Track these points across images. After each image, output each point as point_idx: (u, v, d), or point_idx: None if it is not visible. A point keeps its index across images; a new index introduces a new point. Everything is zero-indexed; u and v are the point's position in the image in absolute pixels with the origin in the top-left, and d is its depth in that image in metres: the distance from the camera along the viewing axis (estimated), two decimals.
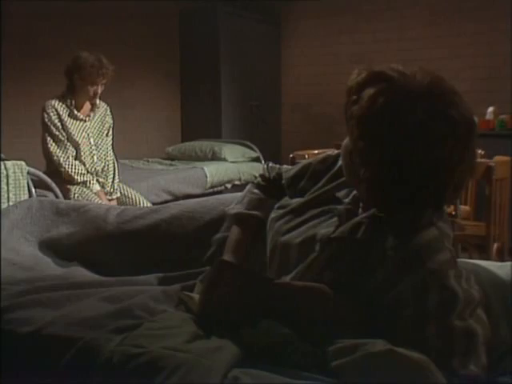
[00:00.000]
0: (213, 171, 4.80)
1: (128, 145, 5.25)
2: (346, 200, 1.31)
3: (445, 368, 1.01)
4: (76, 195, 3.37)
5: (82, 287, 1.48)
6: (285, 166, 1.65)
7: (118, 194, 3.62)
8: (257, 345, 1.13)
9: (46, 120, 3.41)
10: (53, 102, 3.43)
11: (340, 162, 1.35)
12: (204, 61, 5.70)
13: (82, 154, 3.48)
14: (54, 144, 3.42)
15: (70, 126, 3.45)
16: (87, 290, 1.46)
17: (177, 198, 4.12)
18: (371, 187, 1.16)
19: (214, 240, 1.65)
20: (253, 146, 5.40)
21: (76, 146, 3.47)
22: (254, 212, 1.51)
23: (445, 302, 1.07)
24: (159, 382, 1.02)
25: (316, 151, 3.64)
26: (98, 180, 3.52)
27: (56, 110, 3.41)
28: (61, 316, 1.28)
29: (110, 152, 3.64)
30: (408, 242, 1.14)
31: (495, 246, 3.10)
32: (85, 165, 3.48)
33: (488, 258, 2.95)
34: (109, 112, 3.67)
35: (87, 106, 3.55)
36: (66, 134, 3.44)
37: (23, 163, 3.09)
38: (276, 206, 1.45)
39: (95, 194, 3.42)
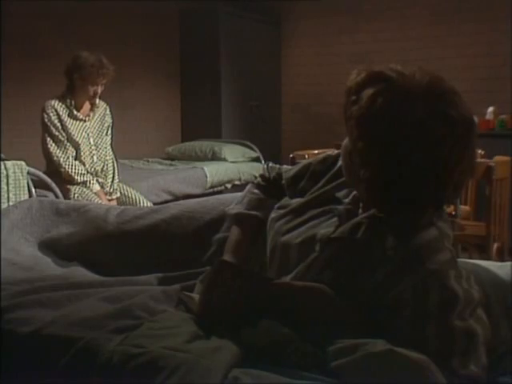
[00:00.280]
0: (213, 171, 4.79)
1: (128, 145, 5.24)
2: (346, 200, 1.31)
3: (445, 368, 1.01)
4: (76, 195, 3.37)
5: (81, 287, 1.48)
6: (285, 166, 1.64)
7: (118, 194, 3.62)
8: (257, 345, 1.13)
9: (46, 120, 3.41)
10: (52, 102, 3.43)
11: (340, 162, 1.35)
12: (204, 61, 5.69)
13: (82, 154, 3.48)
14: (53, 144, 3.42)
15: (69, 126, 3.44)
16: (87, 290, 1.46)
17: (177, 198, 4.11)
18: (371, 187, 1.16)
19: (214, 240, 1.65)
20: (253, 146, 5.40)
21: (76, 146, 3.47)
22: (254, 212, 1.51)
23: (445, 302, 1.07)
24: (159, 382, 1.02)
25: (316, 151, 3.63)
26: (97, 180, 3.53)
27: (56, 111, 3.41)
28: (61, 316, 1.28)
29: (110, 151, 3.64)
30: (408, 242, 1.14)
31: (495, 245, 3.10)
32: (85, 165, 3.48)
33: (488, 258, 2.95)
34: (108, 111, 3.67)
35: (87, 105, 3.55)
36: (66, 134, 3.44)
37: (23, 163, 3.09)
38: (276, 206, 1.45)
39: (95, 194, 3.42)
